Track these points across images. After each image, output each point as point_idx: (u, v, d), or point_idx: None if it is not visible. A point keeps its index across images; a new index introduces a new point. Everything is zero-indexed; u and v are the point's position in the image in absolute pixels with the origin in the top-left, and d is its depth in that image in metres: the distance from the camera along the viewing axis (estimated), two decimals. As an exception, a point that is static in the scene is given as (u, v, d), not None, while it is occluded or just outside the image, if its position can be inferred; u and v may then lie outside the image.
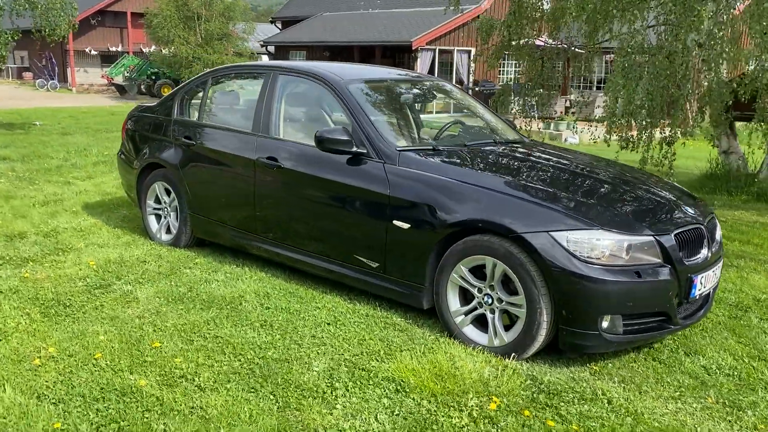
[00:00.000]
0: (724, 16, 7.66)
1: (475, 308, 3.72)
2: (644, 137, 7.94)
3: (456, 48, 24.21)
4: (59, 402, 2.97)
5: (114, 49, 35.86)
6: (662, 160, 8.21)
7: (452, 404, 3.06)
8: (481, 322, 3.74)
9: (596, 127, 12.33)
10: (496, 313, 3.63)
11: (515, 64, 22.79)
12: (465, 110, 5.66)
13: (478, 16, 22.34)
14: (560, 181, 4.01)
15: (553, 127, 17.82)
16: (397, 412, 3.00)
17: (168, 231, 5.56)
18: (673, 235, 3.53)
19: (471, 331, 3.74)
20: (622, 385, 3.38)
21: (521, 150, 4.64)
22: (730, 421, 3.09)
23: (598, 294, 3.32)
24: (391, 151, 4.09)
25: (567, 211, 3.48)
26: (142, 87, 29.82)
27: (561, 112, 20.83)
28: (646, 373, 3.52)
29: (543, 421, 2.98)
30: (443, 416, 2.97)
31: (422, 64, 23.49)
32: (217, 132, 5.12)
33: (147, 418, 2.87)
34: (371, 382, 3.24)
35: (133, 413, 2.90)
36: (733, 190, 8.94)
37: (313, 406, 3.03)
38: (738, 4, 8.41)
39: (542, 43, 11.07)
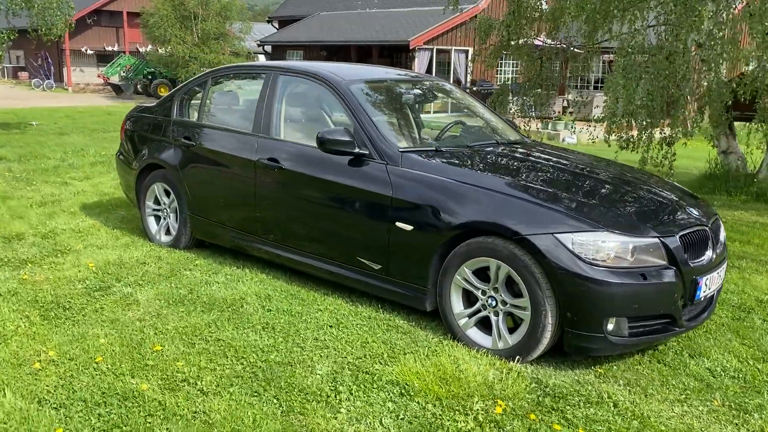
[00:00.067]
0: (724, 15, 7.66)
1: (479, 310, 3.69)
2: (644, 137, 7.93)
3: (453, 48, 24.20)
4: (60, 407, 2.93)
5: (110, 48, 35.76)
6: (662, 161, 8.20)
7: (457, 408, 3.04)
8: (484, 325, 3.72)
9: (595, 127, 12.33)
10: (500, 316, 3.60)
11: (513, 64, 22.84)
12: (465, 110, 5.62)
13: (475, 16, 22.39)
14: (564, 182, 3.99)
15: (551, 127, 17.82)
16: (401, 416, 2.98)
17: (167, 232, 5.53)
18: (678, 236, 3.51)
19: (475, 334, 3.71)
20: (628, 388, 3.36)
21: (523, 150, 4.62)
22: (737, 424, 3.07)
23: (604, 296, 3.30)
24: (393, 152, 4.07)
25: (572, 213, 3.46)
26: (138, 87, 29.76)
27: (559, 112, 20.82)
28: (651, 376, 3.50)
29: (549, 425, 2.96)
30: (449, 420, 2.94)
31: (420, 63, 23.47)
32: (217, 133, 5.08)
33: (150, 423, 2.84)
34: (375, 386, 3.22)
35: (136, 418, 2.87)
36: (733, 190, 8.93)
37: (317, 410, 3.00)
38: (737, 3, 8.42)
39: (541, 43, 11.06)
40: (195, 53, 26.04)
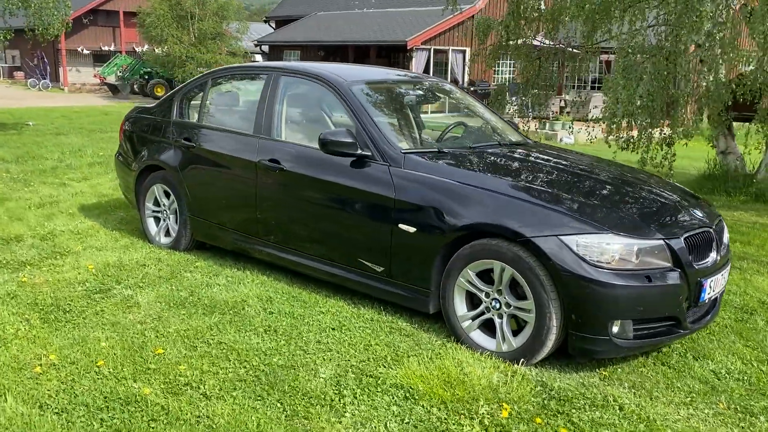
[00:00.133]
0: (724, 14, 7.66)
1: (483, 313, 3.67)
2: (644, 138, 7.92)
3: (451, 48, 24.18)
4: (62, 412, 2.90)
5: (106, 48, 35.65)
6: (662, 161, 8.20)
7: (463, 412, 3.02)
8: (488, 327, 3.70)
9: (593, 127, 12.33)
10: (504, 318, 3.59)
11: (510, 64, 22.82)
12: (465, 110, 5.60)
13: (473, 16, 22.41)
14: (567, 183, 3.98)
15: (548, 127, 17.82)
16: (407, 421, 2.96)
17: (167, 234, 5.50)
18: (682, 238, 3.50)
19: (478, 336, 3.69)
20: (633, 390, 3.34)
21: (526, 152, 4.60)
22: (743, 428, 3.06)
23: (609, 299, 3.28)
24: (396, 154, 4.04)
25: (577, 215, 3.44)
26: (134, 86, 29.65)
27: (556, 113, 20.83)
28: (656, 378, 3.49)
29: (555, 429, 2.94)
30: (454, 424, 2.93)
31: (417, 63, 23.45)
32: (218, 134, 5.06)
33: (153, 427, 2.81)
34: (379, 389, 3.19)
35: (139, 423, 2.84)
36: (732, 190, 8.93)
37: (322, 414, 2.98)
38: (735, 4, 8.42)
39: (539, 43, 11.05)
40: (192, 53, 25.95)
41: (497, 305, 3.60)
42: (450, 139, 4.76)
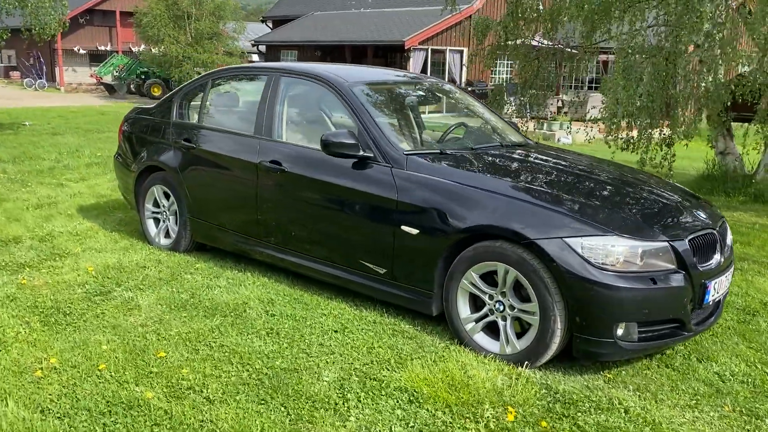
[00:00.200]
0: (724, 14, 7.65)
1: (486, 315, 3.66)
2: (644, 138, 7.92)
3: (448, 48, 24.17)
4: (64, 416, 2.88)
5: (103, 48, 35.54)
6: (662, 162, 8.19)
7: (468, 416, 3.00)
8: (491, 330, 3.68)
9: (592, 127, 12.32)
10: (508, 321, 3.57)
11: (508, 64, 22.81)
12: (464, 111, 5.58)
13: (470, 16, 22.39)
14: (570, 184, 3.96)
15: (546, 127, 17.82)
16: (411, 424, 2.93)
17: (167, 235, 5.47)
18: (687, 240, 3.48)
19: (482, 339, 3.67)
20: (638, 393, 3.33)
21: (528, 153, 4.58)
22: (749, 430, 3.05)
23: (614, 301, 3.27)
24: (398, 155, 4.02)
25: (581, 217, 3.43)
26: (131, 86, 29.58)
27: (554, 113, 20.84)
28: (661, 381, 3.47)
29: (561, 433, 2.92)
30: (459, 428, 2.91)
31: (414, 64, 23.43)
32: (218, 135, 5.03)
33: (156, 432, 2.79)
34: (383, 393, 3.17)
35: (142, 428, 2.81)
36: (731, 191, 8.94)
37: (326, 418, 2.95)
38: (733, 4, 8.42)
39: (538, 44, 11.04)
40: (188, 53, 25.89)
41: (501, 307, 3.58)
42: (451, 140, 4.74)
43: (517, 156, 4.48)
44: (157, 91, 27.72)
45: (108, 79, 29.85)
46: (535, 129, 15.80)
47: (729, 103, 8.25)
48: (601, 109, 8.63)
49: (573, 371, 3.53)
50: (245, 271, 4.85)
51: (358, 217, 4.12)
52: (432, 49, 23.82)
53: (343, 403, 3.07)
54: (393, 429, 2.89)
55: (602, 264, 3.29)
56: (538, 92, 11.15)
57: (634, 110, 7.33)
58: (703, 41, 7.53)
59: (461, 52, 24.36)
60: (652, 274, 3.34)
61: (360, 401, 3.10)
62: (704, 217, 3.86)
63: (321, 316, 4.07)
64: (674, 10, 6.95)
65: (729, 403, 3.27)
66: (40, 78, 32.33)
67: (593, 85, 23.23)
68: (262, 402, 3.06)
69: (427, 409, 3.04)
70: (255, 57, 33.87)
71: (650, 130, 7.87)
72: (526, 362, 3.46)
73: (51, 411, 2.91)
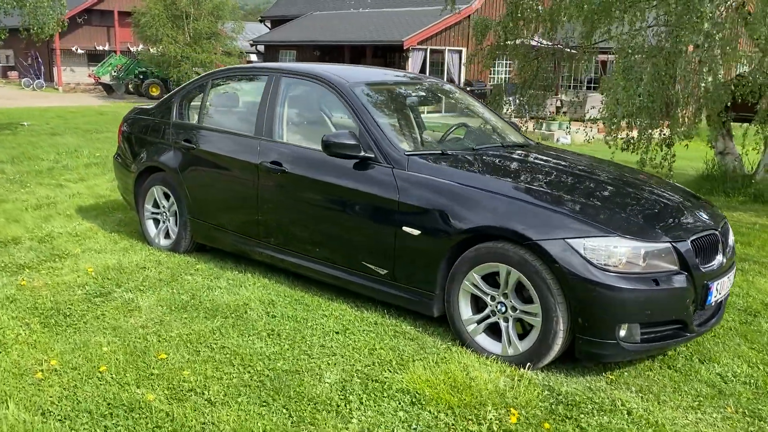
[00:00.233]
0: (724, 14, 7.65)
1: (488, 316, 3.64)
2: (644, 139, 7.91)
3: (447, 48, 24.17)
4: (65, 419, 2.86)
5: (101, 48, 35.49)
6: (662, 162, 8.19)
7: (470, 417, 2.99)
8: (493, 331, 3.67)
9: (591, 127, 12.31)
10: (510, 322, 3.56)
11: (506, 64, 22.82)
12: (461, 111, 5.57)
13: (469, 16, 22.39)
14: (573, 185, 3.95)
15: (545, 127, 17.82)
16: (414, 426, 2.92)
17: (167, 236, 5.45)
18: (689, 241, 3.48)
19: (484, 340, 3.66)
20: (640, 394, 3.32)
21: (529, 153, 4.58)
22: (752, 432, 3.05)
23: (616, 302, 3.26)
24: (399, 156, 4.01)
25: (584, 218, 3.42)
26: (129, 86, 29.54)
27: (552, 113, 20.84)
28: (663, 382, 3.47)
29: (564, 434, 2.91)
30: (462, 430, 2.90)
31: (413, 64, 23.43)
32: (219, 135, 5.01)
33: (157, 435, 2.78)
34: (385, 395, 3.16)
35: (143, 430, 2.80)
36: (730, 191, 8.93)
37: (328, 420, 2.94)
38: (733, 3, 8.41)
39: (537, 44, 11.04)
40: (187, 53, 25.86)
41: (503, 309, 3.57)
42: (452, 140, 4.73)
43: (518, 156, 4.47)
44: (155, 91, 27.68)
45: (106, 79, 29.80)
46: (534, 129, 15.81)
47: (729, 104, 8.25)
48: (601, 110, 8.62)
49: (575, 373, 3.52)
50: (245, 272, 4.84)
51: (360, 217, 4.11)
52: (431, 49, 23.82)
53: (345, 405, 3.06)
54: (395, 431, 2.88)
55: (604, 265, 3.28)
56: (537, 92, 11.15)
57: (634, 110, 7.32)
58: (702, 41, 7.52)
59: (460, 52, 24.36)
60: (654, 275, 3.33)
61: (362, 403, 3.09)
62: (706, 217, 3.85)
63: (322, 318, 4.06)
64: (674, 10, 6.94)
65: (732, 405, 3.26)
66: (38, 78, 32.29)
67: (592, 85, 23.25)
68: (264, 404, 3.05)
69: (430, 411, 3.03)
70: (253, 57, 33.83)
71: (650, 131, 7.87)
72: (529, 364, 3.45)
73: (52, 413, 2.90)
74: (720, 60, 7.50)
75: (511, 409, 3.06)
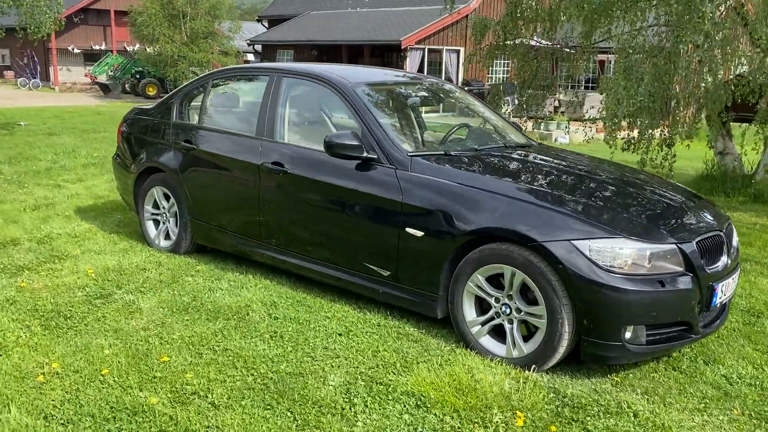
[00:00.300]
0: (724, 14, 7.65)
1: (492, 318, 3.63)
2: (645, 139, 7.90)
3: (445, 47, 24.16)
4: (68, 423, 2.83)
5: (97, 47, 35.38)
6: (662, 162, 8.18)
7: (476, 420, 2.97)
8: (497, 333, 3.65)
9: (591, 127, 12.31)
10: (515, 324, 3.54)
11: (504, 64, 22.81)
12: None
13: (467, 16, 22.38)
14: (577, 186, 3.94)
15: (543, 127, 17.81)
16: (420, 429, 2.90)
17: (167, 237, 5.42)
18: (694, 242, 3.46)
19: (488, 342, 3.64)
20: (646, 396, 3.31)
21: (532, 154, 4.56)
22: (759, 435, 3.03)
23: (622, 304, 3.24)
24: (402, 157, 3.99)
25: (589, 219, 3.40)
26: (126, 86, 29.45)
27: (551, 112, 20.83)
28: (669, 384, 3.45)
29: (571, 437, 2.90)
30: (469, 433, 2.88)
31: (411, 63, 23.40)
32: (220, 136, 4.98)
33: (161, 439, 2.75)
34: (390, 397, 3.14)
35: (147, 434, 2.78)
36: (730, 191, 8.93)
37: (333, 423, 2.92)
38: (731, 2, 8.41)
39: (537, 44, 11.02)
40: (183, 52, 25.77)
41: (507, 310, 3.55)
42: (454, 141, 4.71)
43: (521, 157, 4.45)
44: (152, 91, 27.60)
45: (103, 78, 29.71)
46: (533, 129, 15.81)
47: (729, 104, 8.24)
48: (600, 109, 8.61)
49: (580, 374, 3.50)
50: (247, 274, 4.81)
51: (362, 219, 4.09)
52: (428, 49, 23.81)
53: (350, 408, 3.04)
54: (401, 434, 2.86)
55: (610, 266, 3.26)
56: (536, 92, 11.13)
57: (635, 110, 7.31)
58: (702, 41, 7.52)
59: (458, 51, 24.35)
60: (660, 277, 3.32)
61: (367, 406, 3.06)
62: (710, 218, 3.84)
63: (324, 319, 4.03)
64: (675, 9, 6.93)
65: (738, 407, 3.25)
66: (34, 77, 32.16)
67: (590, 85, 23.25)
68: (268, 407, 3.02)
69: (435, 414, 3.01)
70: (250, 56, 33.77)
71: (651, 131, 7.86)
72: (534, 366, 3.43)
73: (54, 417, 2.87)
74: (720, 60, 7.49)
75: (517, 411, 3.04)
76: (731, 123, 9.51)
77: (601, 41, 9.67)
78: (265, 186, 4.55)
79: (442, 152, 4.19)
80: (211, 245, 5.18)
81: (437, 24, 22.85)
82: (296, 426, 2.89)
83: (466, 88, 22.12)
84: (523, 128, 11.21)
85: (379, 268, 4.03)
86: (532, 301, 3.46)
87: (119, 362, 3.38)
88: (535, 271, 3.36)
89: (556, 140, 16.93)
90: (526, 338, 3.53)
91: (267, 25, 32.07)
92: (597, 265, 3.26)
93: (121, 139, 5.88)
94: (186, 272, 4.81)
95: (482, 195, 3.66)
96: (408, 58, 23.31)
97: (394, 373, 3.37)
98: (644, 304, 3.28)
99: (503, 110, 11.40)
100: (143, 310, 4.10)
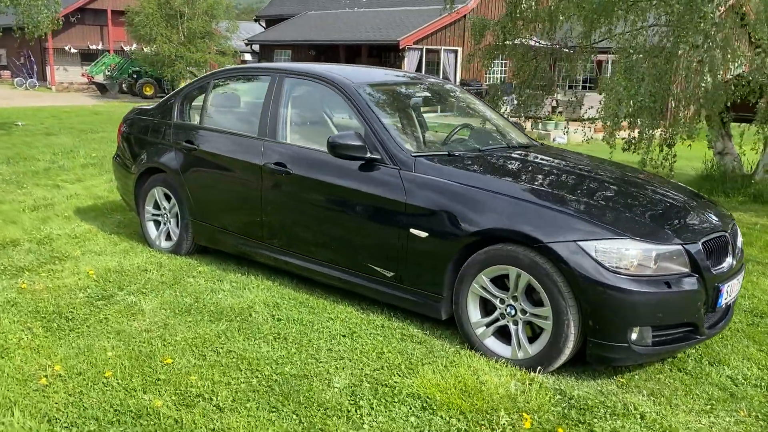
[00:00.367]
0: (723, 14, 7.65)
1: (497, 319, 3.61)
2: (645, 138, 7.90)
3: (443, 47, 24.14)
4: (72, 426, 2.81)
5: (94, 47, 35.28)
6: (662, 162, 8.18)
7: (483, 423, 2.95)
8: (502, 334, 3.64)
9: (590, 127, 12.30)
10: (520, 325, 3.52)
11: (503, 64, 22.81)
12: (468, 112, 5.52)
13: (464, 16, 22.37)
14: (582, 187, 3.92)
15: (541, 127, 17.80)
16: (426, 432, 2.89)
17: (168, 238, 5.39)
18: (700, 243, 3.45)
19: (493, 343, 3.63)
20: (652, 398, 3.29)
21: (536, 154, 4.54)
22: (766, 436, 3.02)
23: (628, 305, 3.23)
24: (406, 158, 3.97)
25: (594, 220, 3.39)
26: (123, 86, 29.38)
27: (549, 112, 20.82)
28: (674, 385, 3.44)
29: (578, 440, 2.88)
30: (476, 436, 2.86)
31: (409, 63, 23.39)
32: (221, 136, 4.96)
33: (167, 442, 2.73)
34: (396, 400, 3.12)
35: (152, 437, 2.75)
36: (730, 191, 8.93)
37: (339, 426, 2.90)
38: (730, 2, 8.42)
39: (536, 44, 11.02)
40: (181, 52, 25.72)
41: (512, 312, 3.53)
42: (456, 141, 4.69)
43: (525, 158, 4.44)
44: (149, 91, 27.55)
45: (100, 78, 29.64)
46: (532, 129, 15.82)
47: (729, 104, 8.25)
48: (599, 109, 8.61)
49: (585, 376, 3.49)
50: (249, 275, 4.79)
51: (365, 219, 4.07)
52: (426, 49, 23.79)
53: (356, 411, 3.02)
54: (408, 437, 2.84)
55: (616, 267, 3.25)
56: (535, 92, 11.13)
57: (636, 110, 7.31)
58: (702, 41, 7.52)
59: (456, 51, 24.34)
60: (666, 278, 3.31)
61: (373, 408, 3.05)
62: (715, 219, 3.83)
63: (328, 320, 4.01)
64: (676, 9, 6.93)
65: (744, 408, 3.24)
66: (31, 77, 32.07)
67: (587, 85, 23.25)
68: (274, 410, 3.00)
69: (441, 417, 3.00)
70: (248, 56, 33.71)
71: (651, 131, 7.86)
72: (539, 367, 3.42)
73: (58, 420, 2.84)
74: (720, 60, 7.49)
75: (524, 414, 3.03)
76: (730, 123, 9.51)
77: (601, 41, 9.67)
78: (268, 186, 4.53)
79: (446, 153, 4.17)
80: (212, 246, 5.16)
81: (435, 24, 22.84)
82: (302, 429, 2.87)
83: (464, 88, 22.15)
84: (525, 128, 11.23)
85: (382, 269, 4.01)
86: (538, 303, 3.45)
87: (122, 364, 3.35)
88: (540, 272, 3.35)
89: (554, 140, 16.91)
90: (531, 339, 3.51)
91: (264, 25, 32.02)
92: (603, 266, 3.25)
93: (122, 139, 5.85)
94: (187, 273, 4.79)
95: (486, 196, 3.64)
96: (406, 58, 23.29)
97: (399, 375, 3.35)
98: (650, 306, 3.27)
99: (502, 110, 11.38)
100: (145, 311, 4.07)
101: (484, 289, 3.60)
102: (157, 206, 5.42)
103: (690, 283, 3.35)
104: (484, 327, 3.65)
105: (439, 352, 3.63)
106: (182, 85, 6.37)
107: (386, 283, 4.03)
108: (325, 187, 4.23)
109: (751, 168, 9.41)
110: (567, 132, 12.33)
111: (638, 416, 3.10)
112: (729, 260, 3.65)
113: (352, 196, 4.09)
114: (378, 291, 4.09)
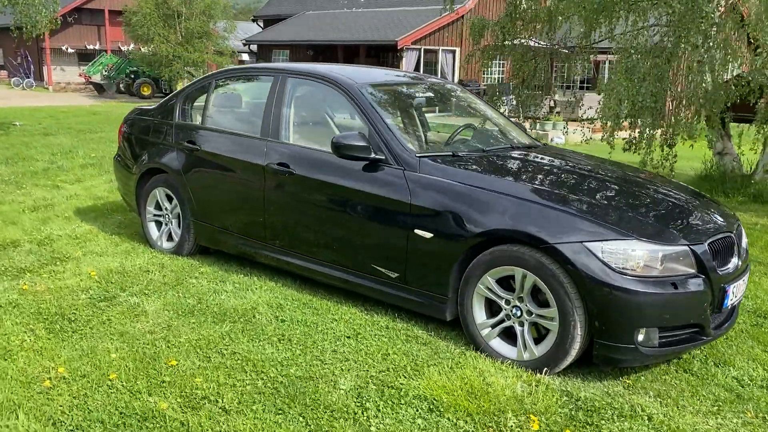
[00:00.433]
0: (723, 15, 7.65)
1: (503, 320, 3.60)
2: (646, 138, 7.90)
3: (441, 48, 24.14)
4: (77, 429, 2.79)
5: (92, 47, 35.22)
6: (663, 162, 8.18)
7: (490, 425, 2.94)
8: (508, 335, 3.62)
9: (588, 127, 12.29)
10: (526, 326, 3.51)
11: (501, 64, 22.80)
12: (471, 112, 5.51)
13: (462, 16, 22.36)
14: (587, 187, 3.91)
15: (539, 127, 17.79)
16: (434, 434, 2.87)
17: (169, 238, 5.37)
18: (706, 244, 3.44)
19: (498, 345, 3.61)
20: (659, 399, 3.28)
21: (540, 155, 4.53)
22: (774, 438, 3.01)
23: (635, 306, 3.22)
24: (411, 158, 3.95)
25: (601, 221, 3.38)
26: (120, 86, 29.33)
27: (547, 113, 20.82)
28: (681, 386, 3.43)
29: (586, 441, 2.87)
30: (483, 438, 2.85)
31: (407, 63, 23.38)
32: (223, 136, 4.94)
33: (173, 445, 2.71)
34: (403, 401, 3.11)
35: (158, 440, 2.73)
36: (729, 191, 8.93)
37: (346, 428, 2.88)
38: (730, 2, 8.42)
39: (535, 44, 11.01)
40: (178, 52, 25.69)
41: (518, 313, 3.52)
42: (459, 141, 4.68)
43: (529, 158, 4.42)
44: (146, 91, 27.51)
45: (97, 78, 29.58)
46: (530, 129, 15.81)
47: (729, 104, 8.25)
48: (598, 110, 8.60)
49: (592, 377, 3.48)
50: (251, 275, 4.77)
51: (370, 220, 4.05)
52: (424, 49, 23.78)
53: (363, 413, 3.01)
54: (415, 439, 2.83)
55: (622, 268, 3.24)
56: (534, 92, 11.13)
57: (637, 110, 7.31)
58: (702, 42, 7.52)
59: (453, 51, 24.34)
60: (672, 279, 3.30)
61: (379, 410, 3.03)
62: (721, 220, 3.82)
63: (332, 322, 4.00)
64: (677, 9, 6.93)
65: (751, 409, 3.23)
66: (28, 77, 32.00)
67: (585, 85, 23.27)
68: (280, 412, 2.99)
69: (448, 418, 2.98)
70: (245, 56, 33.67)
71: (652, 131, 7.85)
72: (545, 369, 3.41)
73: (63, 423, 2.82)
74: (720, 61, 7.50)
75: (531, 415, 3.02)
76: (730, 123, 9.52)
77: (601, 41, 9.66)
78: (270, 187, 4.51)
79: (450, 153, 4.16)
80: (214, 247, 5.14)
81: (433, 24, 22.83)
82: (309, 431, 2.85)
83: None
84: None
85: (387, 270, 4.00)
86: (543, 303, 3.43)
87: (127, 366, 3.33)
88: (546, 273, 3.34)
89: (552, 140, 16.91)
90: (537, 340, 3.50)
91: (262, 25, 31.98)
92: (609, 266, 3.24)
93: (123, 139, 5.83)
94: (190, 274, 4.77)
95: (492, 196, 3.63)
96: (404, 59, 23.29)
97: (405, 377, 3.34)
98: (657, 306, 3.26)
99: (501, 110, 11.38)
100: (148, 312, 4.05)
101: (490, 290, 3.59)
102: (158, 207, 5.40)
103: (696, 284, 3.34)
104: (490, 328, 3.63)
105: (445, 354, 3.61)
106: (180, 85, 6.33)
107: (391, 284, 4.01)
108: (328, 187, 4.22)
109: (751, 168, 9.42)
110: (566, 132, 12.33)
111: (645, 418, 3.09)
112: (735, 261, 3.65)
113: (356, 196, 4.07)
114: (382, 292, 4.08)
